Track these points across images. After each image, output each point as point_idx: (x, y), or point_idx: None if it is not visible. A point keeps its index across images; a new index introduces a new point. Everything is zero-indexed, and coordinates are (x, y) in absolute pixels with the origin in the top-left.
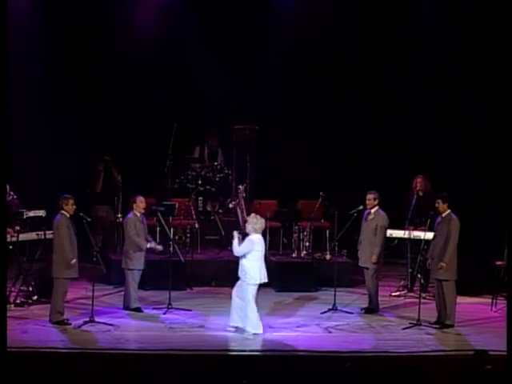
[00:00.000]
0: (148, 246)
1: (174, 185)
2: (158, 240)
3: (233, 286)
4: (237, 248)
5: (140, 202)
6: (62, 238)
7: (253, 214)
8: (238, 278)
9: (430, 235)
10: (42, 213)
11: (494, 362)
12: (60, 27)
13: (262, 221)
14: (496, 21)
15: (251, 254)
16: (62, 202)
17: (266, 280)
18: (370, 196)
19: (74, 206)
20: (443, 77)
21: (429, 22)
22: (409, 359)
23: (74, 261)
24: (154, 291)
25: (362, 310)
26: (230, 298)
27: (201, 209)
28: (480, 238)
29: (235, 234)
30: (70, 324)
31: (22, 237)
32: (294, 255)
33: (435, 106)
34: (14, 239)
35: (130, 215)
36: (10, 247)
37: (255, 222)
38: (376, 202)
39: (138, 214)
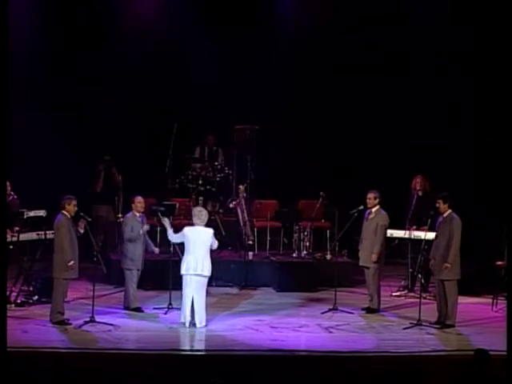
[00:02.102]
0: (142, 231)
1: (174, 185)
2: (158, 240)
3: (233, 285)
4: (172, 234)
5: (138, 203)
6: (63, 238)
7: (198, 207)
8: (237, 278)
9: (430, 235)
10: (42, 213)
11: (494, 362)
12: (59, 27)
13: (203, 213)
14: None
15: (185, 245)
16: (64, 201)
17: (201, 272)
18: (370, 195)
19: (76, 207)
20: (445, 77)
21: (429, 22)
22: (410, 359)
23: (71, 262)
24: (154, 291)
25: (362, 309)
26: (231, 298)
27: None
28: (480, 238)
29: (166, 220)
30: (71, 324)
31: (23, 237)
32: (294, 255)
33: (436, 105)
34: (15, 239)
35: (129, 215)
36: (11, 247)
37: (198, 216)
38: (376, 201)
39: (137, 214)
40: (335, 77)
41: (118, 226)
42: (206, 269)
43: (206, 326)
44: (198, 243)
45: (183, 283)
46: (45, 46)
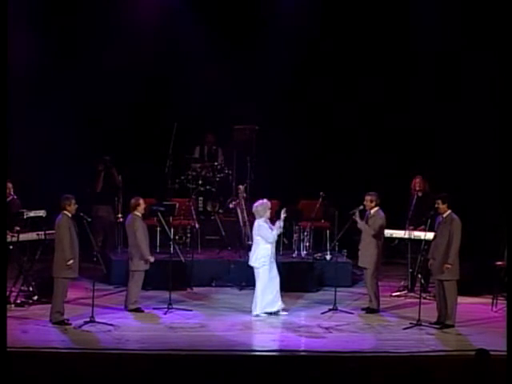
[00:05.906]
0: (151, 259)
1: (174, 185)
2: (158, 240)
3: (233, 285)
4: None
5: (143, 204)
6: (62, 237)
7: (264, 201)
8: (237, 278)
9: (430, 235)
10: (42, 213)
11: (494, 362)
12: (58, 27)
13: (263, 205)
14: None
15: None
16: (64, 202)
17: (249, 263)
18: (367, 197)
19: (76, 206)
20: (445, 77)
21: (430, 20)
22: (409, 359)
23: (70, 261)
24: (154, 291)
25: (362, 310)
26: (231, 298)
27: (201, 209)
28: (480, 238)
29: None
30: (71, 324)
31: (23, 237)
32: (294, 255)
33: (436, 105)
34: (15, 239)
35: (133, 217)
36: (11, 247)
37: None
38: (373, 203)
39: (140, 215)
40: (335, 76)
41: (118, 226)
42: (257, 261)
43: (257, 315)
44: (254, 236)
45: None
46: (45, 45)
